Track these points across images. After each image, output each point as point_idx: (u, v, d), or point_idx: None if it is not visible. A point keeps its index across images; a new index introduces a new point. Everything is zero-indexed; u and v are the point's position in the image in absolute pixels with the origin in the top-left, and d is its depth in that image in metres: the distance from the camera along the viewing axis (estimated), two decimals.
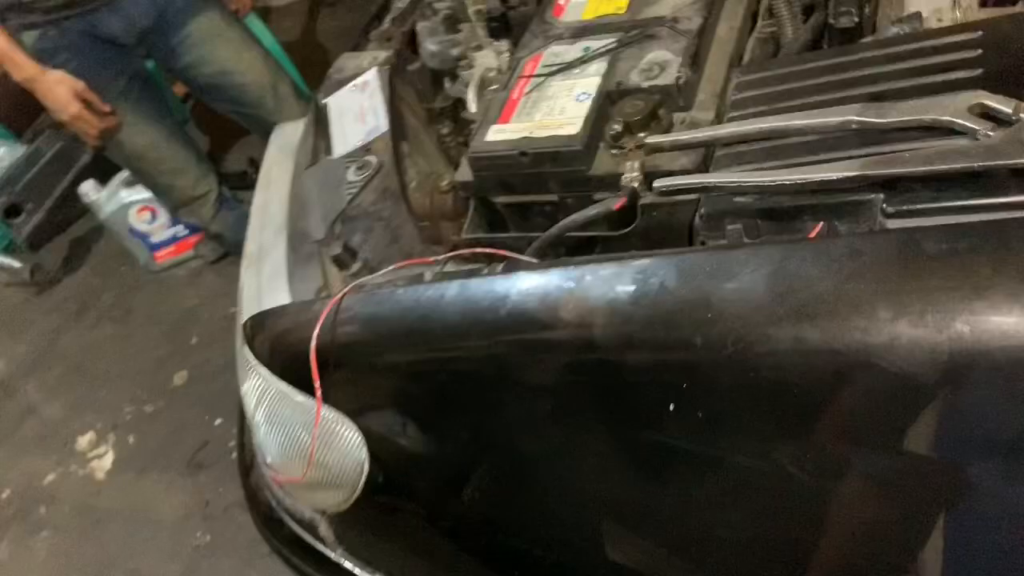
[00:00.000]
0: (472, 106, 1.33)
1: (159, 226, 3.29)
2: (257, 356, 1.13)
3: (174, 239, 3.35)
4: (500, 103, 1.16)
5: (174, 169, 2.56)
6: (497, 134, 1.11)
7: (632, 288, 0.78)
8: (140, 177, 2.63)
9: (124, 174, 3.22)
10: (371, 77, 1.43)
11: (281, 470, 1.16)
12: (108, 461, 2.91)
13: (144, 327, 3.28)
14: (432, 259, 1.06)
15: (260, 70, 2.52)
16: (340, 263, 1.15)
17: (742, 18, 1.18)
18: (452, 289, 0.93)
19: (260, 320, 1.15)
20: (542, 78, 1.15)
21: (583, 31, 1.21)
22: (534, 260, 1.01)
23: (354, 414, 1.02)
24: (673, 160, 1.00)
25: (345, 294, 1.02)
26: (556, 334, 0.83)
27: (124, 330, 3.31)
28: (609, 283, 0.80)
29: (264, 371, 1.11)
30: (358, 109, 1.40)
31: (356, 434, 1.02)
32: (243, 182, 3.29)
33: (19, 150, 3.65)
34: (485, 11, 1.48)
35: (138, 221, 3.25)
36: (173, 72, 2.51)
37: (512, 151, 1.08)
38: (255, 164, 3.38)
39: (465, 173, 1.13)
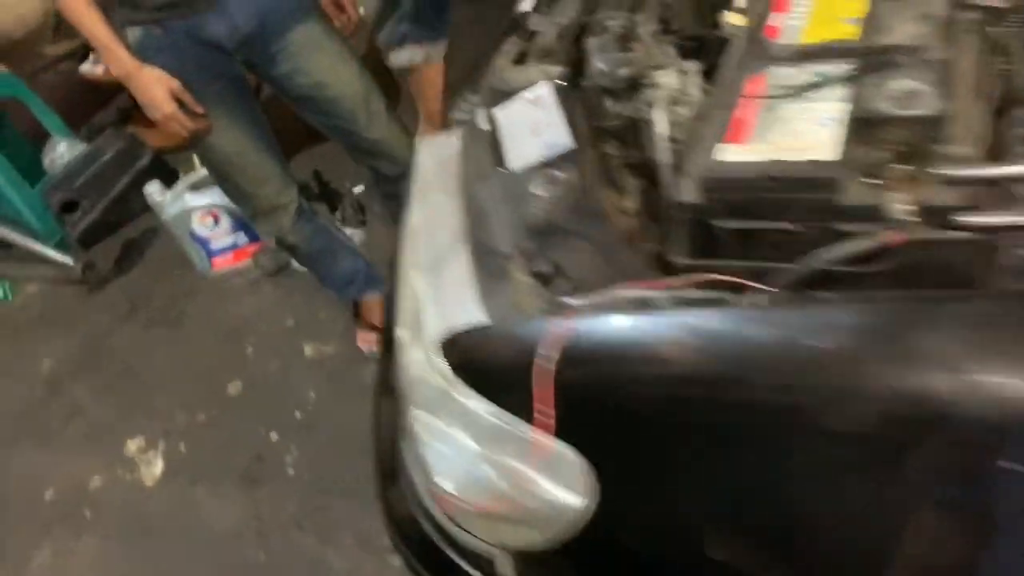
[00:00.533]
0: (660, 127, 1.23)
1: (220, 232, 3.17)
2: (459, 376, 1.01)
3: (233, 246, 3.23)
4: (721, 123, 1.05)
5: (259, 177, 2.45)
6: (734, 155, 1.00)
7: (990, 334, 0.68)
8: (223, 182, 2.51)
9: (190, 178, 3.12)
10: (544, 91, 1.33)
11: (465, 497, 1.04)
12: (158, 468, 2.77)
13: (197, 333, 3.15)
14: (664, 283, 0.95)
15: (355, 85, 2.42)
16: (544, 280, 1.04)
17: (978, 52, 1.08)
18: (728, 320, 0.83)
19: (461, 338, 1.03)
20: (772, 99, 1.05)
21: (808, 55, 1.11)
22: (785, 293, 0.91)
23: (579, 448, 0.91)
24: (942, 195, 0.90)
25: (579, 315, 0.91)
26: (881, 382, 0.72)
27: (176, 335, 3.17)
28: (958, 329, 0.70)
29: (466, 391, 0.99)
30: (532, 123, 1.30)
31: (583, 471, 0.90)
32: (305, 194, 3.19)
33: (80, 147, 3.54)
34: (661, 30, 1.39)
35: (200, 226, 3.14)
36: (268, 80, 2.41)
37: (756, 174, 0.97)
38: (319, 177, 3.29)
39: (688, 193, 1.02)
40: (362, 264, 2.80)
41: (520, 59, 1.71)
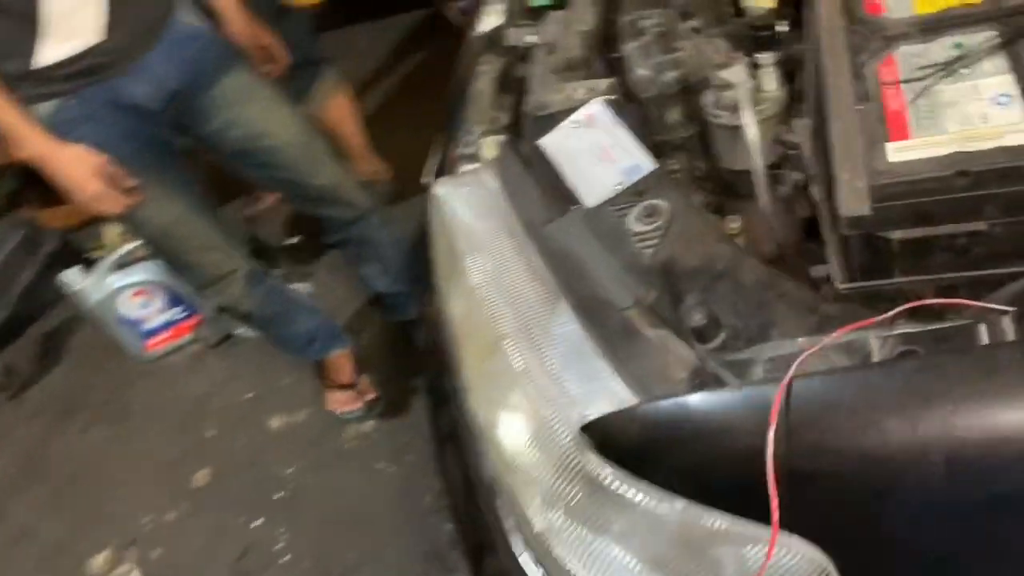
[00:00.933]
0: (752, 131, 1.06)
1: (153, 311, 2.86)
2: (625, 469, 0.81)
3: (168, 324, 2.92)
4: (874, 118, 0.88)
5: (202, 245, 2.17)
6: (906, 153, 0.83)
7: None
8: (164, 256, 2.23)
9: (112, 257, 2.79)
10: (598, 110, 1.13)
11: None
12: None
13: (147, 424, 2.82)
14: (870, 320, 0.77)
15: (293, 130, 2.18)
16: (702, 336, 0.85)
17: None
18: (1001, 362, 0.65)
19: (611, 424, 0.83)
20: (923, 82, 0.89)
21: (932, 26, 0.95)
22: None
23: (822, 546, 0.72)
24: None
25: (782, 379, 0.72)
26: None
27: (123, 430, 2.83)
28: None
29: (642, 487, 0.79)
30: (594, 147, 1.10)
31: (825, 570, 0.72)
32: None
33: None
34: (707, 23, 1.22)
35: (130, 307, 2.81)
36: (199, 138, 2.13)
37: (943, 172, 0.80)
38: (250, 233, 3.01)
39: (855, 206, 0.85)
40: (321, 320, 2.54)
41: (505, 78, 1.53)
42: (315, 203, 2.32)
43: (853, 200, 0.84)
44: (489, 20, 1.76)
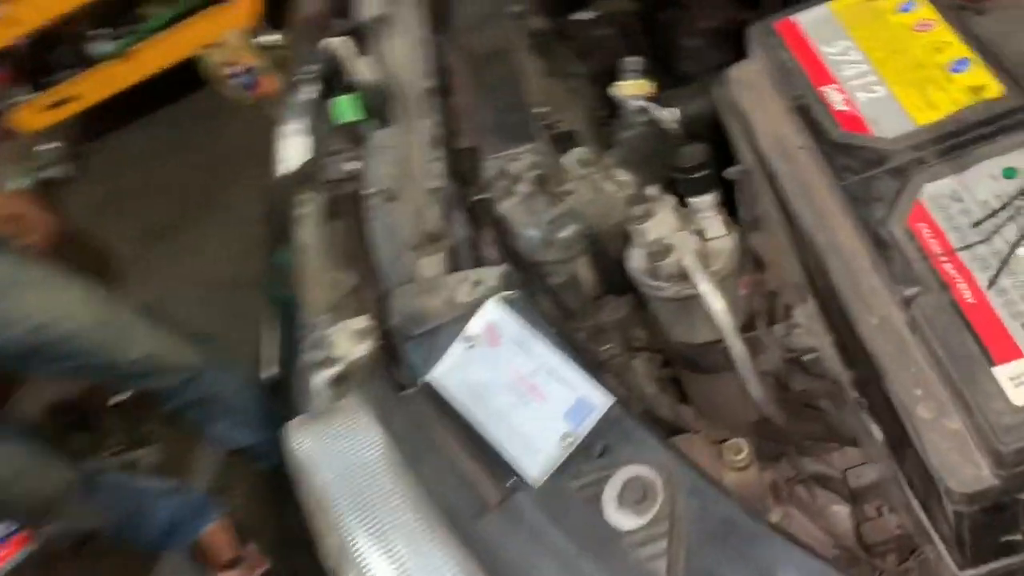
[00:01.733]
0: (716, 305, 0.74)
1: None
2: None
3: (7, 535, 2.37)
4: (945, 317, 0.57)
5: (13, 475, 1.73)
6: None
7: None
8: None
9: None
10: (498, 317, 0.79)
11: None
12: None
13: None
14: None
15: (87, 307, 1.75)
16: None
17: None
18: None
19: None
20: (992, 245, 0.58)
21: (955, 142, 0.65)
22: None
23: None
24: None
25: None
26: None
27: None
28: None
29: None
30: (510, 378, 0.76)
31: None
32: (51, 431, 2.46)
33: None
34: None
35: None
36: None
37: None
38: (64, 405, 2.52)
39: (969, 474, 0.54)
40: (178, 499, 2.09)
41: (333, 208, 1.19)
42: (138, 379, 1.89)
43: (962, 465, 0.53)
44: (293, 147, 1.39)
